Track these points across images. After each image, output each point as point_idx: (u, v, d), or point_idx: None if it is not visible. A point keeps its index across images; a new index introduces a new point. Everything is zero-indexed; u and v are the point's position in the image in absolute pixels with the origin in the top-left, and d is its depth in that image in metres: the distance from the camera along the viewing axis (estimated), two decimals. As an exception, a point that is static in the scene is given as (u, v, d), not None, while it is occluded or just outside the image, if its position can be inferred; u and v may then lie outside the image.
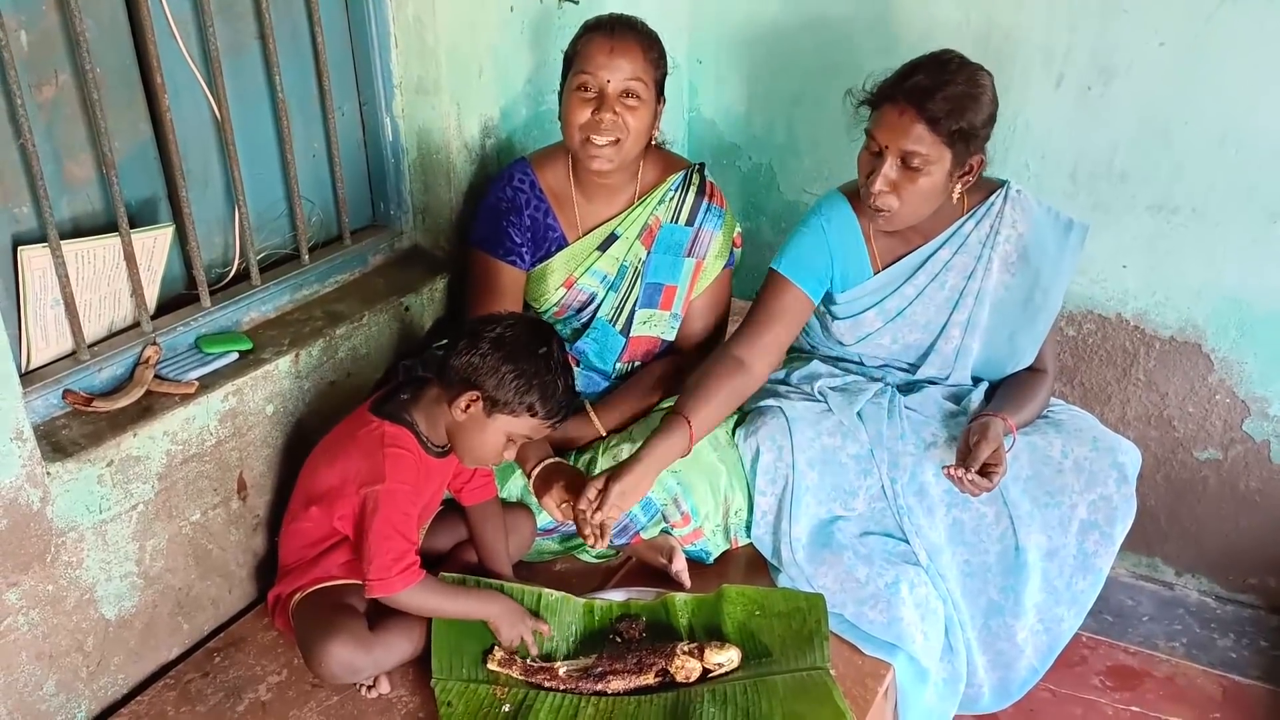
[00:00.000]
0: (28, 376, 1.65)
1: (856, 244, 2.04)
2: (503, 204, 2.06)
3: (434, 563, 1.93)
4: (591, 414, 2.05)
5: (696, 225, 2.10)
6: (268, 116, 1.99)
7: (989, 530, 1.96)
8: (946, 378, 2.12)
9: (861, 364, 2.19)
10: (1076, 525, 1.94)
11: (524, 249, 2.06)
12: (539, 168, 2.09)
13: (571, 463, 2.00)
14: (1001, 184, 2.02)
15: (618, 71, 1.90)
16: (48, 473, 1.56)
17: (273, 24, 1.90)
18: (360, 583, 1.72)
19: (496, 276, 2.06)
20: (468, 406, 1.68)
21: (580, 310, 2.11)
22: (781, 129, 2.92)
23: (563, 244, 2.09)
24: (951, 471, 1.83)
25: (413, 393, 1.77)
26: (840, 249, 2.04)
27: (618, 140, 1.93)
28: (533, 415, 1.68)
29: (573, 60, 1.97)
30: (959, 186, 1.91)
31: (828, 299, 2.10)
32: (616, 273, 2.09)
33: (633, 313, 2.10)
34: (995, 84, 1.87)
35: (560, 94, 2.02)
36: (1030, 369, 2.09)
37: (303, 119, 2.05)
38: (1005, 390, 2.05)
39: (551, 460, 1.91)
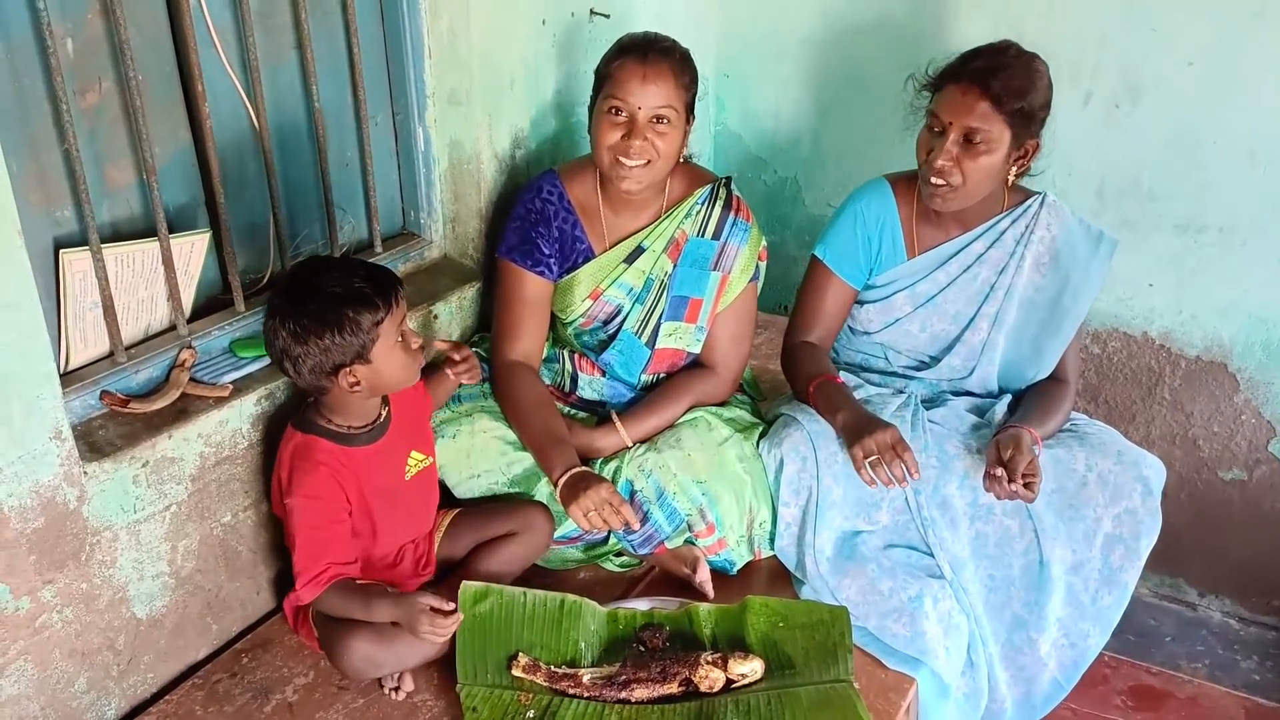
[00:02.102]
0: (66, 377, 1.68)
1: (893, 228, 2.11)
2: (531, 215, 2.08)
3: (451, 570, 1.95)
4: (618, 424, 2.06)
5: (723, 239, 2.11)
6: (303, 125, 2.02)
7: (1013, 544, 1.97)
8: (969, 374, 2.13)
9: (885, 362, 2.20)
10: (1101, 539, 1.94)
11: (552, 260, 2.08)
12: (567, 180, 2.10)
13: (597, 467, 2.01)
14: (1039, 193, 2.08)
15: (650, 98, 1.91)
16: (84, 472, 1.59)
17: (310, 34, 1.93)
18: (378, 581, 1.77)
19: (524, 287, 2.08)
20: (355, 379, 1.68)
21: (606, 322, 2.13)
22: (807, 142, 2.94)
23: (589, 256, 2.10)
24: (994, 477, 1.84)
25: (316, 394, 1.76)
26: (877, 233, 2.11)
27: (648, 162, 1.95)
28: (382, 322, 1.66)
29: (604, 81, 1.97)
30: (1014, 169, 1.98)
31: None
32: (643, 285, 2.10)
33: (658, 325, 2.12)
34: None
35: (590, 110, 2.04)
36: (1053, 379, 2.11)
37: (337, 128, 2.08)
38: (1029, 402, 2.07)
39: (578, 469, 1.92)
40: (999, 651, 1.97)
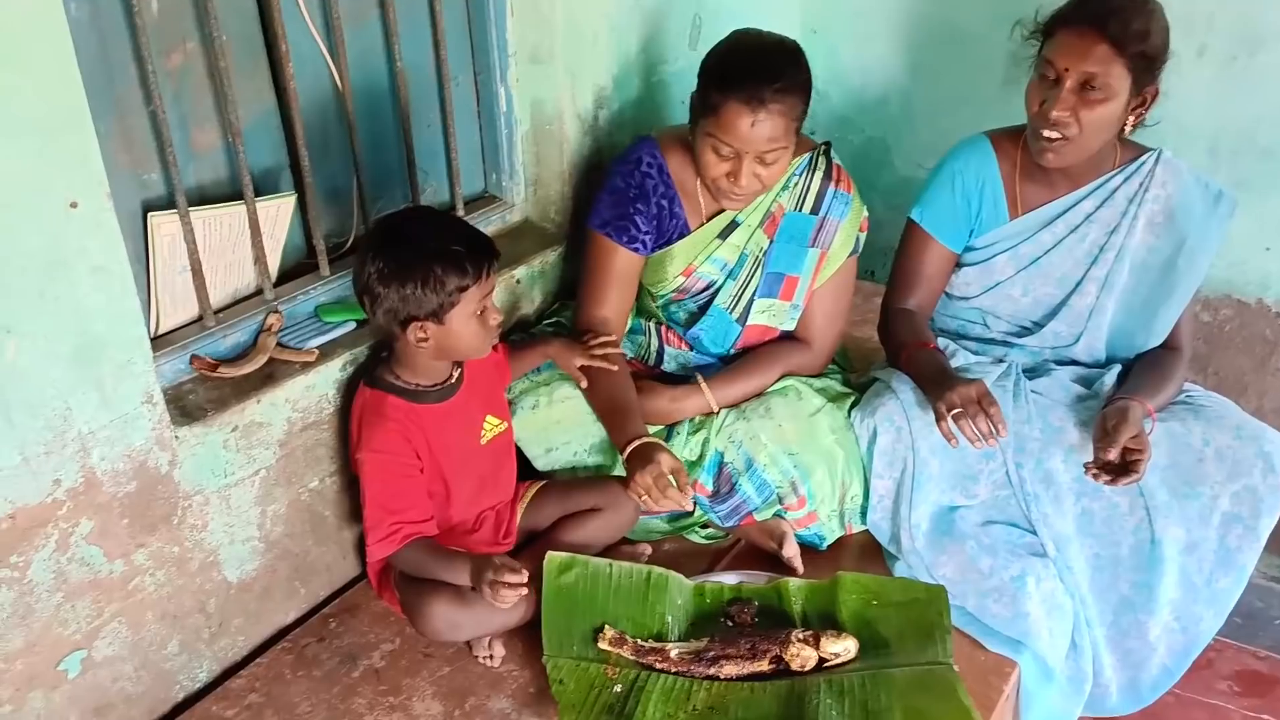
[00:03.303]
0: (156, 341, 1.68)
1: (994, 187, 2.00)
2: (631, 189, 1.97)
3: (533, 541, 1.92)
4: (703, 386, 1.99)
5: (822, 213, 2.01)
6: (385, 86, 1.98)
7: (1122, 521, 1.87)
8: (1075, 341, 2.03)
9: (984, 328, 2.11)
10: (1218, 518, 1.83)
11: (647, 236, 1.99)
12: (667, 151, 1.98)
13: (685, 437, 1.96)
14: (1154, 149, 1.96)
15: (758, 144, 1.78)
16: (176, 436, 1.59)
17: (394, -8, 1.89)
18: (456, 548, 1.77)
19: (615, 260, 1.99)
20: (423, 335, 1.66)
21: (698, 294, 2.06)
22: (897, 100, 2.83)
23: (685, 231, 2.01)
24: (1093, 469, 1.76)
25: (389, 348, 1.75)
26: (976, 194, 2.00)
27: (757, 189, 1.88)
28: (466, 289, 1.64)
29: (709, 110, 1.80)
30: (1132, 119, 1.86)
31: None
32: (737, 260, 2.01)
33: (751, 301, 2.04)
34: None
35: (692, 117, 1.88)
36: (1165, 348, 2.00)
37: (419, 89, 2.04)
38: (1140, 371, 1.96)
39: (642, 440, 1.84)
40: (1104, 634, 1.89)
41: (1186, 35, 2.35)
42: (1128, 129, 1.88)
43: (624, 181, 1.98)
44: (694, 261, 2.01)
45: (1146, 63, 1.79)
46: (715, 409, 1.99)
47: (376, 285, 1.64)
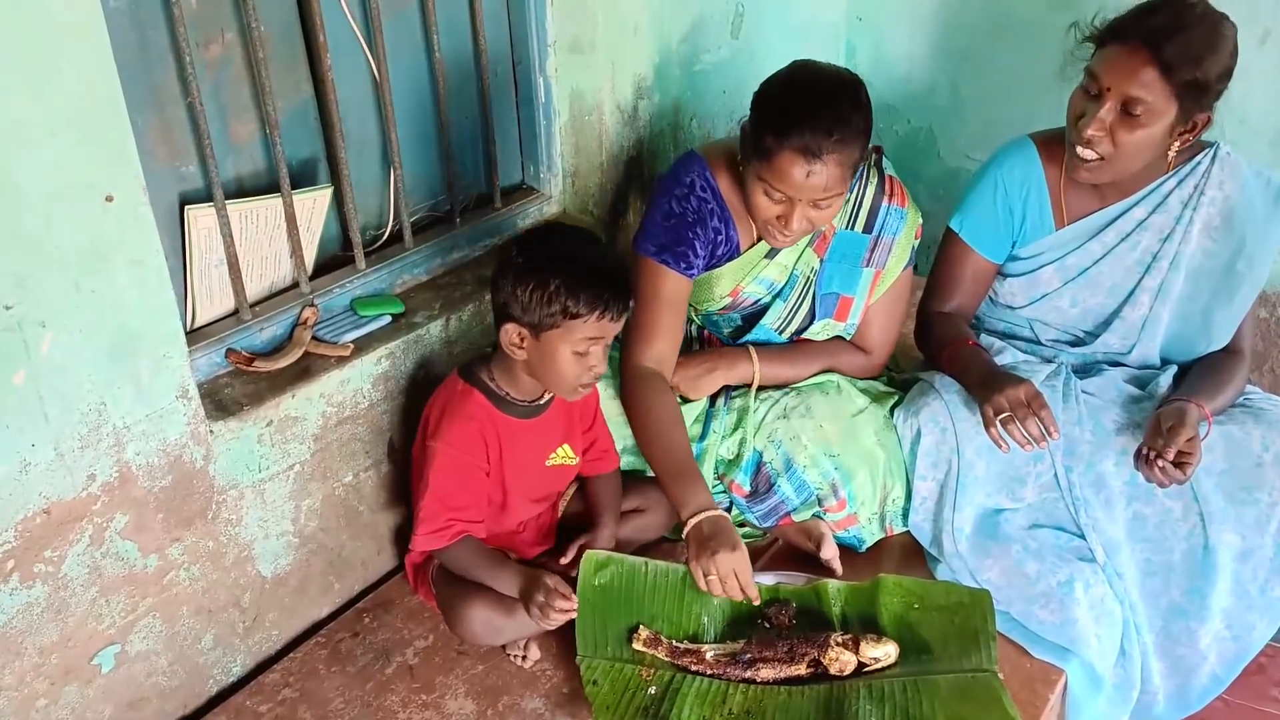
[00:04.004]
0: (192, 335, 1.68)
1: (1039, 195, 1.91)
2: (689, 214, 1.85)
3: (571, 532, 1.88)
4: (753, 355, 1.93)
5: (875, 232, 1.91)
6: (425, 78, 1.96)
7: (1175, 527, 1.81)
8: (1129, 351, 1.96)
9: (1032, 335, 2.04)
10: (1275, 525, 1.77)
11: (701, 259, 1.90)
12: (716, 171, 1.87)
13: (721, 436, 1.92)
14: (1210, 144, 1.85)
15: (813, 193, 1.68)
16: (211, 431, 1.58)
17: (432, -19, 1.87)
18: (500, 548, 1.76)
19: (667, 285, 1.87)
20: (518, 341, 1.61)
21: (745, 309, 1.99)
22: (945, 89, 2.76)
23: (736, 253, 1.93)
24: (1144, 456, 1.69)
25: (494, 347, 1.70)
26: (1020, 202, 1.92)
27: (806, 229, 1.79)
28: (576, 318, 1.56)
29: (760, 154, 1.69)
30: (1176, 144, 1.76)
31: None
32: (786, 281, 1.93)
33: (804, 327, 1.97)
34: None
35: (743, 152, 1.76)
36: (1225, 351, 1.92)
37: (458, 80, 2.01)
38: (1198, 373, 1.89)
39: (710, 514, 1.69)
40: (1154, 641, 1.83)
41: (1249, 21, 2.25)
42: (1171, 153, 1.78)
43: (679, 206, 1.86)
44: (741, 282, 1.93)
45: (1198, 91, 1.68)
46: (757, 380, 1.94)
47: (501, 272, 1.61)
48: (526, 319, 1.58)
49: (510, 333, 1.61)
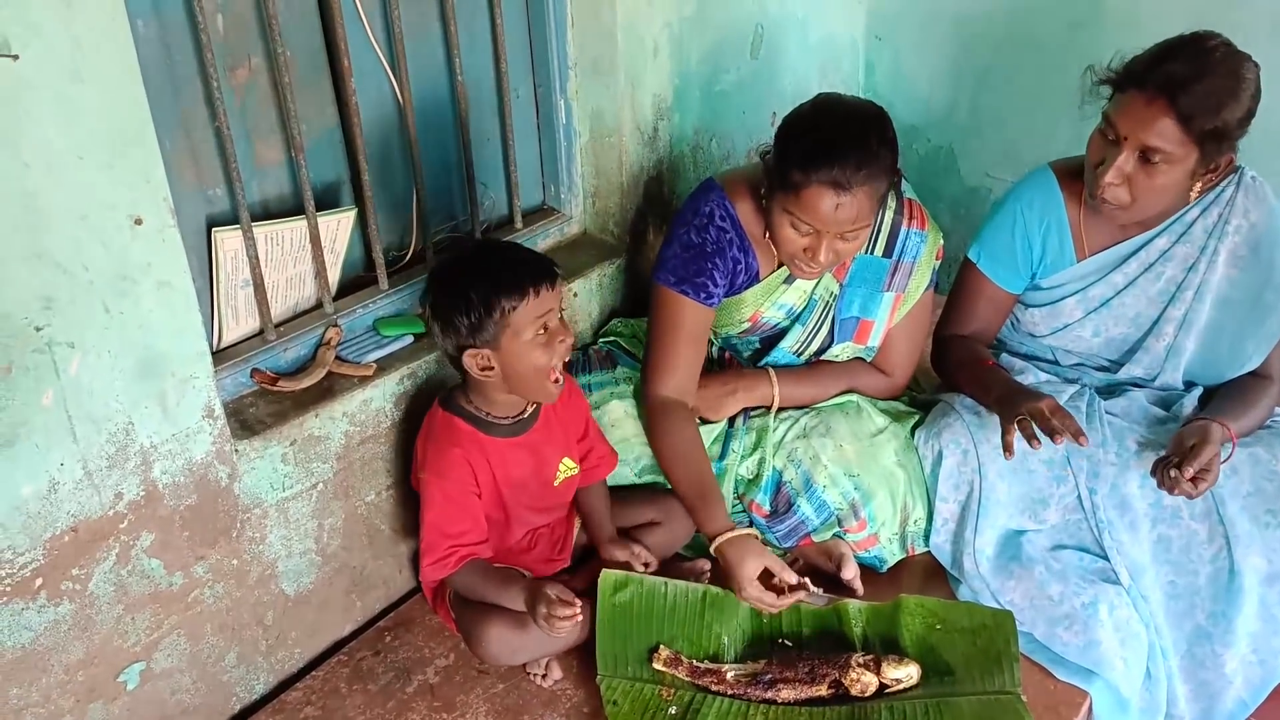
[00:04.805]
0: (218, 355, 1.69)
1: (1059, 228, 1.89)
2: (708, 245, 1.84)
3: (590, 554, 1.91)
4: (773, 377, 1.94)
5: (895, 257, 1.91)
6: (446, 100, 1.98)
7: (1200, 550, 1.79)
8: (1154, 379, 1.94)
9: (1055, 361, 2.03)
10: (1303, 549, 1.75)
11: (721, 288, 1.90)
12: (735, 199, 1.85)
13: (740, 456, 1.92)
14: (1235, 169, 1.82)
15: (841, 226, 1.68)
16: (236, 450, 1.60)
17: (454, 5, 1.88)
18: (515, 568, 1.77)
19: (688, 316, 1.87)
20: (484, 363, 1.63)
21: (764, 332, 1.99)
22: (964, 108, 2.76)
23: (755, 281, 1.92)
24: (1161, 464, 1.68)
25: (464, 375, 1.71)
26: (1039, 236, 1.90)
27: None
28: (514, 309, 1.58)
29: (786, 187, 1.68)
30: (1199, 185, 1.74)
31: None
32: (805, 305, 1.93)
33: (823, 349, 1.97)
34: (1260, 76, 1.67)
35: (767, 185, 1.76)
36: (1254, 375, 1.89)
37: (478, 102, 2.03)
38: (1224, 395, 1.87)
39: (737, 534, 1.74)
40: (1179, 664, 1.81)
41: (1276, 32, 2.24)
42: (1193, 195, 1.76)
43: (698, 236, 1.85)
44: (761, 307, 1.93)
45: (1219, 138, 1.65)
46: (776, 402, 1.94)
47: (431, 320, 1.65)
48: (479, 339, 1.60)
49: (472, 360, 1.63)
